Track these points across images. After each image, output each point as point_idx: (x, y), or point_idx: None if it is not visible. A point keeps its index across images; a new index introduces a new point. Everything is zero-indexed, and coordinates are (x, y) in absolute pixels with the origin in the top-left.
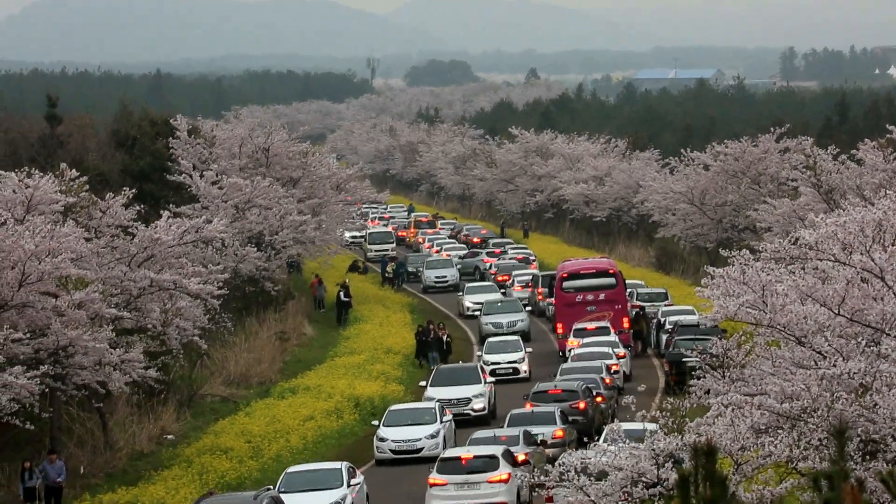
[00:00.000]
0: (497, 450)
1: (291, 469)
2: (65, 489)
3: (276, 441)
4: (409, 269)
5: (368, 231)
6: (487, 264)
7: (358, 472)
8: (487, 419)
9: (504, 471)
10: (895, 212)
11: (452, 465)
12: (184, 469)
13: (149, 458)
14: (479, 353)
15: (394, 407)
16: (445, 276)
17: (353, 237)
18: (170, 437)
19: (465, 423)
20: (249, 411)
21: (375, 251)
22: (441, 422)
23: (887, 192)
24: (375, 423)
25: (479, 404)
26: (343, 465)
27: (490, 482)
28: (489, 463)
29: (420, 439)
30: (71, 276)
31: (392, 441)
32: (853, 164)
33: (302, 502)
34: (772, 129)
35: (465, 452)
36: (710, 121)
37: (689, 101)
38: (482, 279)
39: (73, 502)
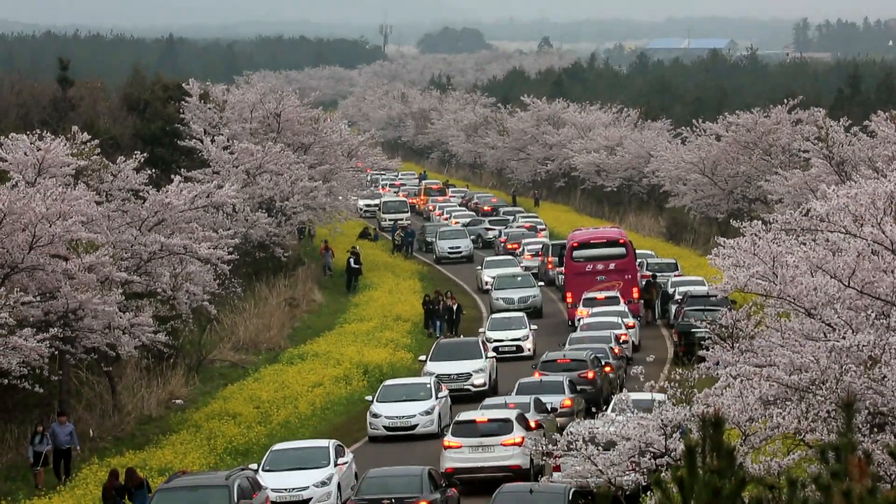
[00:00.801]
0: (511, 413)
1: (277, 446)
2: (74, 453)
3: (285, 407)
4: (427, 239)
5: (383, 200)
6: (490, 233)
7: (347, 450)
8: (488, 395)
9: (518, 434)
10: None
11: (468, 428)
12: (192, 434)
13: (157, 423)
14: (482, 329)
15: (388, 382)
16: (459, 247)
17: (367, 206)
18: (178, 401)
19: (466, 398)
20: (258, 377)
21: (390, 220)
22: (437, 398)
23: None
24: (369, 398)
25: (479, 380)
26: (331, 443)
27: (504, 445)
28: (504, 426)
29: (414, 416)
30: (81, 239)
31: (385, 417)
32: (865, 136)
33: (286, 481)
34: (784, 100)
35: (480, 416)
36: (722, 91)
37: (701, 71)
38: (484, 247)
39: (81, 465)
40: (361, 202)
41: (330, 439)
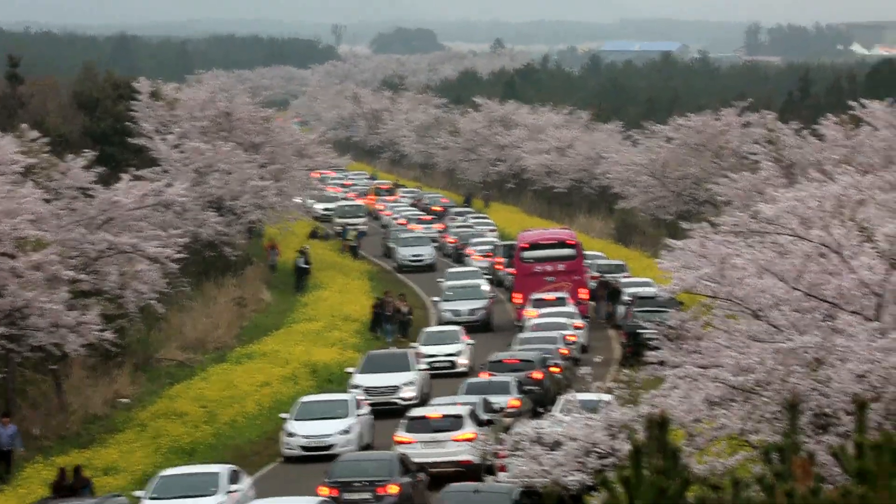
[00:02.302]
0: (463, 409)
1: (166, 472)
2: (15, 454)
3: (232, 406)
4: (388, 245)
5: (339, 204)
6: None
7: (244, 476)
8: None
9: (470, 430)
10: (854, 187)
11: (420, 424)
12: (138, 433)
13: (103, 422)
14: (413, 344)
15: (305, 398)
16: (422, 255)
17: (325, 209)
18: (124, 400)
19: (394, 412)
20: (205, 376)
21: (348, 225)
22: (356, 416)
23: (847, 167)
24: (284, 415)
25: (408, 393)
26: (224, 469)
27: (456, 440)
28: (455, 422)
29: (331, 435)
30: (29, 237)
31: (302, 436)
32: (814, 140)
33: None
34: (734, 102)
35: (433, 411)
36: (673, 94)
37: (653, 73)
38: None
39: (24, 464)
40: (319, 206)
41: (226, 465)
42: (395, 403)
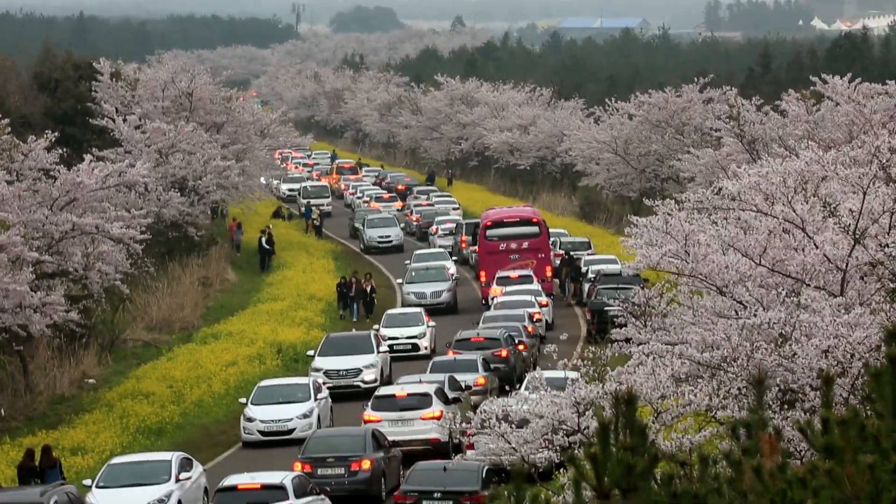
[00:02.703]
0: (430, 388)
1: (115, 460)
2: None
3: (199, 386)
4: (354, 225)
5: (303, 185)
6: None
7: (196, 463)
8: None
9: (437, 408)
10: (817, 163)
11: (387, 402)
12: (105, 413)
13: (70, 402)
14: (376, 326)
15: (263, 383)
16: (389, 236)
17: (289, 190)
18: (91, 381)
19: (355, 395)
20: (171, 356)
21: (312, 205)
22: (315, 399)
23: (810, 143)
24: (243, 400)
25: (369, 375)
26: (174, 457)
27: (423, 419)
28: (423, 400)
29: (291, 419)
30: None
31: (260, 421)
32: (776, 115)
33: (118, 499)
34: (696, 79)
35: (400, 390)
36: (634, 70)
37: (614, 50)
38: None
39: None
40: (284, 186)
41: (176, 452)
42: (357, 386)
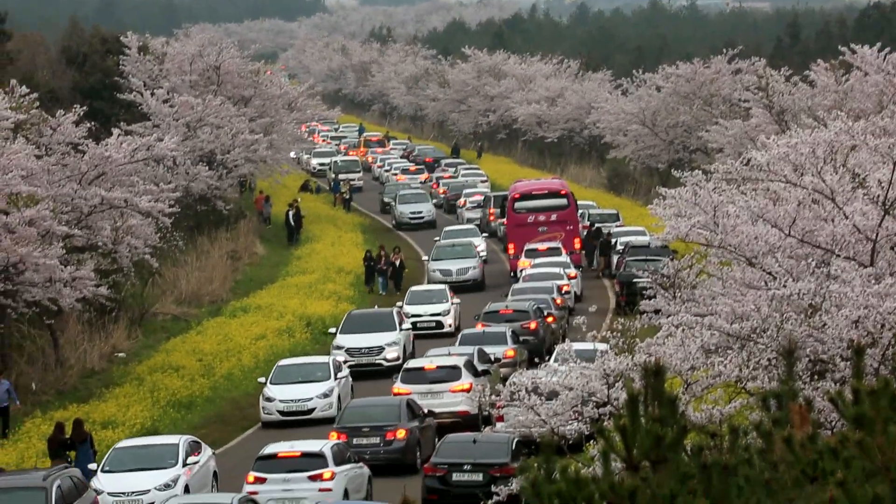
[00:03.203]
0: (459, 360)
1: (121, 444)
2: (12, 409)
3: (228, 360)
4: (384, 200)
5: (333, 160)
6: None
7: (205, 447)
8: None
9: (466, 381)
10: (847, 133)
11: (416, 375)
12: (135, 387)
13: (100, 376)
14: (399, 303)
15: (283, 362)
16: (421, 212)
17: (320, 164)
18: (121, 354)
19: (378, 374)
20: (201, 330)
21: (342, 180)
22: (335, 378)
23: (839, 113)
24: (262, 380)
25: (392, 353)
26: (182, 441)
27: (452, 392)
28: (452, 373)
29: (311, 398)
30: (21, 193)
31: (280, 401)
32: (805, 86)
33: (124, 484)
34: (724, 50)
35: (429, 363)
36: (662, 41)
37: (641, 21)
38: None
39: (24, 419)
40: (314, 161)
41: (184, 435)
42: (379, 364)
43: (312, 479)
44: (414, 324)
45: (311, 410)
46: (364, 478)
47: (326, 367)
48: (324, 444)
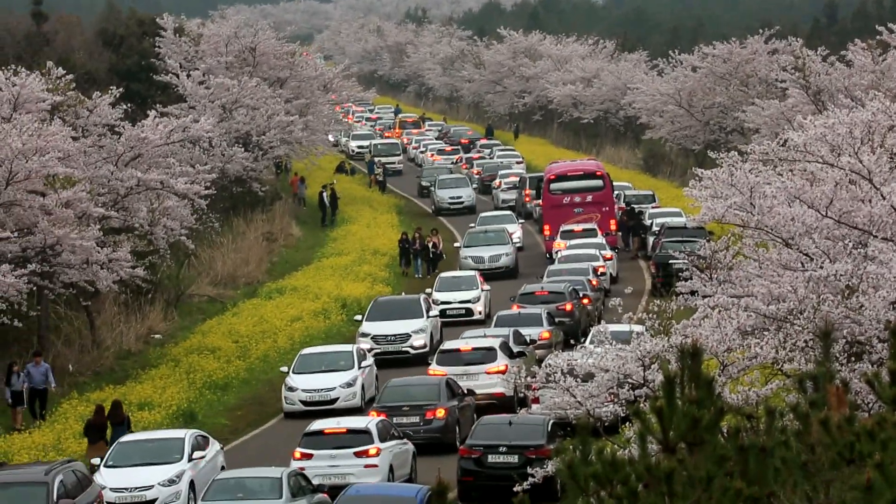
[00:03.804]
0: (495, 342)
1: (126, 438)
2: (51, 391)
3: (264, 341)
4: (422, 184)
5: (373, 143)
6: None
7: (212, 441)
8: (429, 358)
9: (502, 362)
10: (884, 113)
11: (452, 357)
12: (171, 368)
13: (136, 357)
14: (428, 289)
15: (306, 350)
16: (461, 197)
17: (359, 147)
18: (157, 336)
19: (404, 362)
20: (237, 311)
21: (383, 163)
22: (359, 367)
23: (876, 93)
24: (284, 369)
25: (419, 341)
26: (188, 435)
27: (488, 373)
28: (487, 355)
29: (334, 388)
30: (58, 174)
31: (302, 391)
32: (842, 66)
33: (127, 479)
34: (760, 30)
35: (465, 344)
36: (698, 21)
37: (677, 2)
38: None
39: (60, 400)
40: (353, 143)
41: (191, 430)
42: (406, 352)
43: (358, 455)
44: (443, 311)
45: (335, 400)
46: (409, 454)
47: (350, 356)
48: (369, 421)
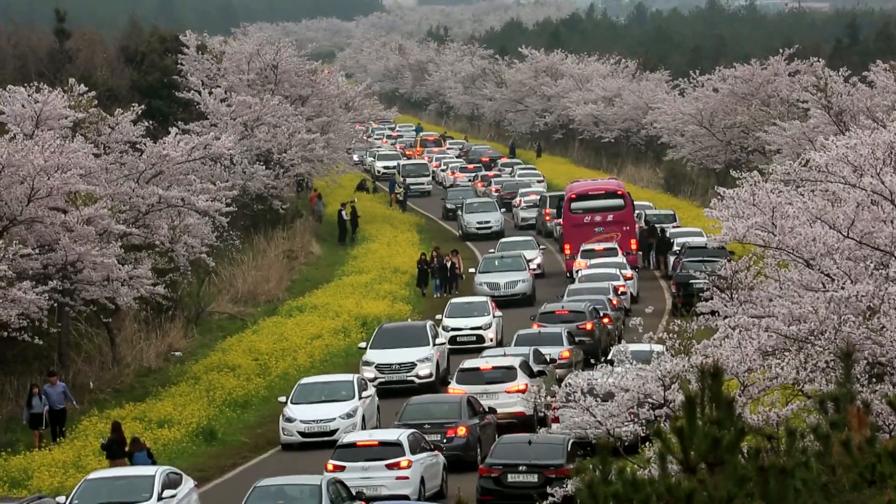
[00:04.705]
0: (515, 361)
1: (93, 475)
2: (69, 410)
3: (284, 359)
4: (446, 206)
5: (401, 163)
6: (480, 188)
7: (185, 479)
8: (435, 387)
9: (522, 381)
10: None
11: (472, 376)
12: (191, 385)
13: (156, 375)
14: (438, 316)
15: (305, 380)
16: (489, 221)
17: (385, 167)
18: (177, 353)
19: (409, 391)
20: (257, 329)
21: (411, 185)
22: (360, 397)
23: None
24: (282, 399)
25: (424, 370)
26: (158, 472)
27: (508, 392)
28: (507, 374)
29: (334, 419)
30: (80, 191)
31: (301, 422)
32: (864, 86)
33: None
34: (782, 50)
35: (485, 363)
36: (720, 41)
37: (699, 21)
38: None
39: (81, 417)
40: (379, 164)
41: (162, 466)
42: (411, 381)
43: (390, 467)
44: (453, 337)
45: (334, 431)
46: (439, 466)
47: (351, 386)
48: (401, 433)
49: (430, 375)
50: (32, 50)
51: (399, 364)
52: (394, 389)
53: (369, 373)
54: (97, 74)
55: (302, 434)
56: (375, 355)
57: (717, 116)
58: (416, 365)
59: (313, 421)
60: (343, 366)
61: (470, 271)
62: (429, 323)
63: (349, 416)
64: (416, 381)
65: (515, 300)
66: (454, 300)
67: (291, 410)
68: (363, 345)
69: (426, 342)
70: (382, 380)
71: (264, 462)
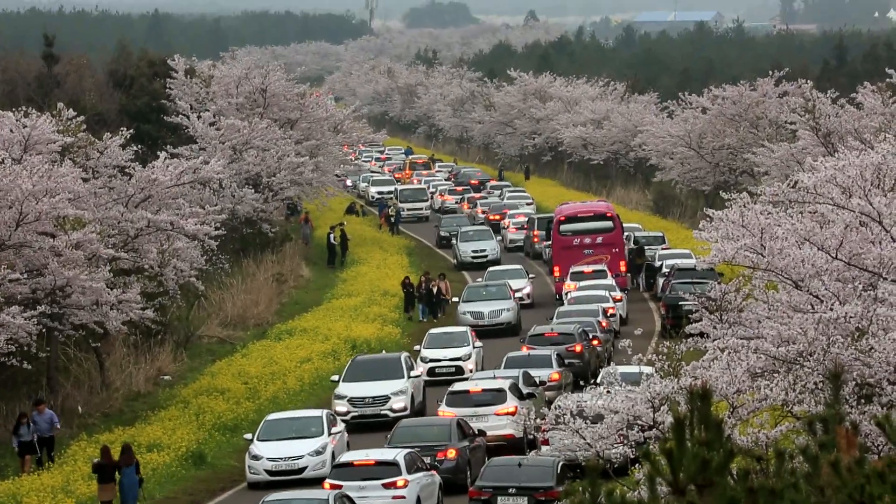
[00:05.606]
0: (504, 383)
1: (272, 416)
2: (54, 433)
3: (273, 383)
4: (441, 234)
5: (398, 188)
6: (466, 209)
7: (338, 419)
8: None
9: (511, 404)
10: (894, 156)
11: (461, 398)
12: (181, 410)
13: (145, 399)
14: (416, 347)
15: (271, 416)
16: (485, 250)
17: (379, 193)
18: (166, 377)
19: (383, 426)
20: (246, 353)
21: (408, 210)
22: (329, 433)
23: (886, 135)
24: (248, 437)
25: (398, 404)
26: (325, 413)
27: (497, 414)
28: (497, 396)
29: (302, 456)
30: (68, 216)
31: (268, 459)
32: (852, 108)
33: None
34: (770, 72)
35: (474, 386)
36: (708, 64)
37: (687, 44)
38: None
39: (70, 442)
40: (373, 189)
41: (326, 409)
42: (385, 416)
43: (386, 486)
44: (431, 369)
45: (303, 469)
46: (436, 485)
47: (320, 422)
48: (397, 453)
49: (405, 409)
50: (21, 74)
51: (373, 398)
52: (367, 423)
53: (342, 406)
54: (86, 99)
55: (269, 472)
56: (348, 388)
57: (706, 138)
58: (390, 398)
59: (281, 458)
60: (332, 389)
61: (454, 300)
62: (404, 355)
63: (318, 453)
64: (391, 414)
65: (500, 329)
66: (433, 330)
67: (258, 448)
68: (335, 377)
69: (401, 374)
70: (355, 414)
71: (255, 484)
